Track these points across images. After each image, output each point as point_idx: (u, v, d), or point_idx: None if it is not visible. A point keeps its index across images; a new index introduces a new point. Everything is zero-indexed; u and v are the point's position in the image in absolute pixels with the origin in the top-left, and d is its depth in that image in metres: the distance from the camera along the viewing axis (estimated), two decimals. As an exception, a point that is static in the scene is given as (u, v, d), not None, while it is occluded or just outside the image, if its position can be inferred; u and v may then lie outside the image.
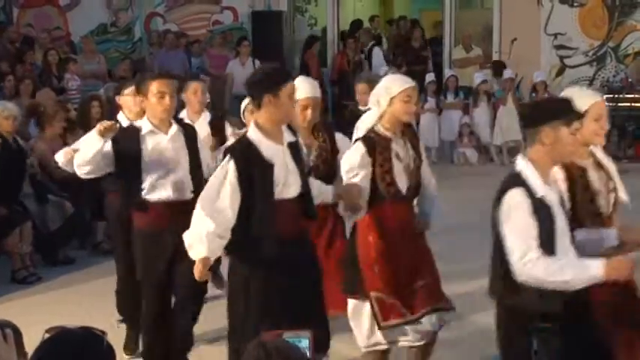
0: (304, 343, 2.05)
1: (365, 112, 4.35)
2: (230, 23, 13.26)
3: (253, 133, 3.59)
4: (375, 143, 3.98)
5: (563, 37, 12.65)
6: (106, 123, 4.31)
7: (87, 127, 8.36)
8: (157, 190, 4.27)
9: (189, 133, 4.38)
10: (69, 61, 10.50)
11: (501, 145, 11.56)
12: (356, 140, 4.12)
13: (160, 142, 4.29)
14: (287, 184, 3.59)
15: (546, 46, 12.73)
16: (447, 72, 12.47)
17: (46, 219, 7.43)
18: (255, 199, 3.50)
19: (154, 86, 4.22)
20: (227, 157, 3.56)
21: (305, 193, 3.68)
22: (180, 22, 13.27)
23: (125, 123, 4.74)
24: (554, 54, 12.73)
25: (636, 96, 11.60)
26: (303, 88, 4.36)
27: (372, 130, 4.05)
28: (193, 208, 3.60)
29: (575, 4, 12.57)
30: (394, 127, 4.05)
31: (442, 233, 6.86)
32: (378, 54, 12.63)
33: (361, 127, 4.19)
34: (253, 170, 3.51)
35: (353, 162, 3.97)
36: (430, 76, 11.92)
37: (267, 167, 3.52)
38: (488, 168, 11.02)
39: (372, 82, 5.03)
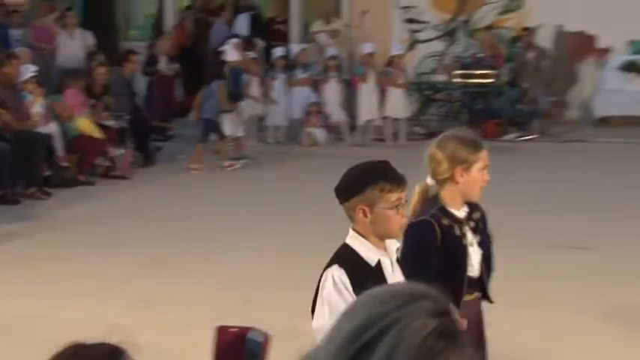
0: (255, 344, 2.05)
1: None
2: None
3: None
4: None
5: (414, 11, 13.45)
6: None
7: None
8: None
9: None
10: None
11: (363, 124, 12.04)
12: None
13: None
14: None
15: (397, 20, 13.49)
16: (295, 46, 13.03)
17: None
18: None
19: None
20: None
21: None
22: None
23: None
24: (405, 28, 13.55)
25: (485, 72, 12.37)
26: None
27: None
28: None
29: (426, -24, 13.38)
30: None
31: (286, 221, 7.36)
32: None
33: None
34: None
35: None
36: (279, 51, 12.34)
37: None
38: (339, 149, 11.65)
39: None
